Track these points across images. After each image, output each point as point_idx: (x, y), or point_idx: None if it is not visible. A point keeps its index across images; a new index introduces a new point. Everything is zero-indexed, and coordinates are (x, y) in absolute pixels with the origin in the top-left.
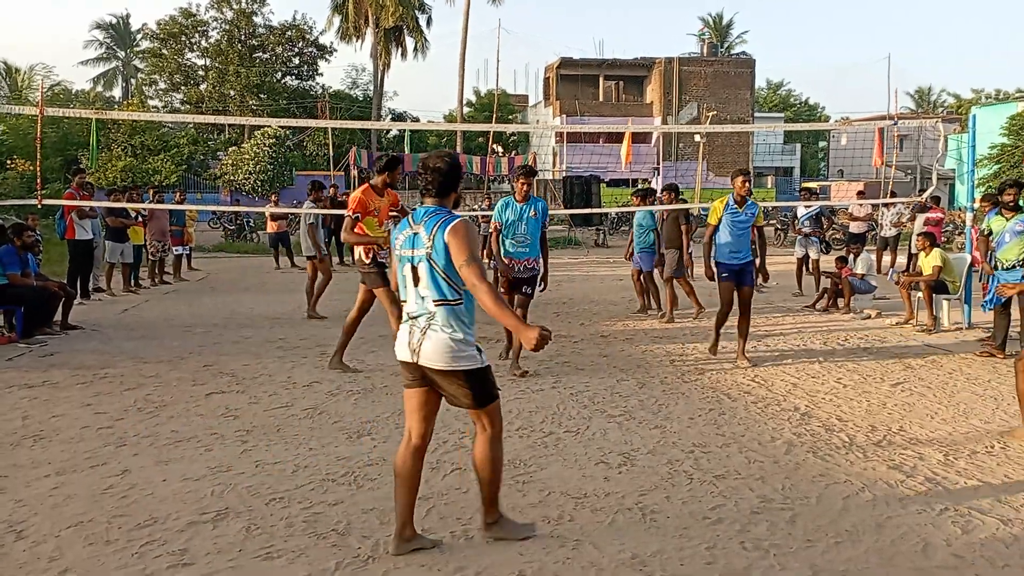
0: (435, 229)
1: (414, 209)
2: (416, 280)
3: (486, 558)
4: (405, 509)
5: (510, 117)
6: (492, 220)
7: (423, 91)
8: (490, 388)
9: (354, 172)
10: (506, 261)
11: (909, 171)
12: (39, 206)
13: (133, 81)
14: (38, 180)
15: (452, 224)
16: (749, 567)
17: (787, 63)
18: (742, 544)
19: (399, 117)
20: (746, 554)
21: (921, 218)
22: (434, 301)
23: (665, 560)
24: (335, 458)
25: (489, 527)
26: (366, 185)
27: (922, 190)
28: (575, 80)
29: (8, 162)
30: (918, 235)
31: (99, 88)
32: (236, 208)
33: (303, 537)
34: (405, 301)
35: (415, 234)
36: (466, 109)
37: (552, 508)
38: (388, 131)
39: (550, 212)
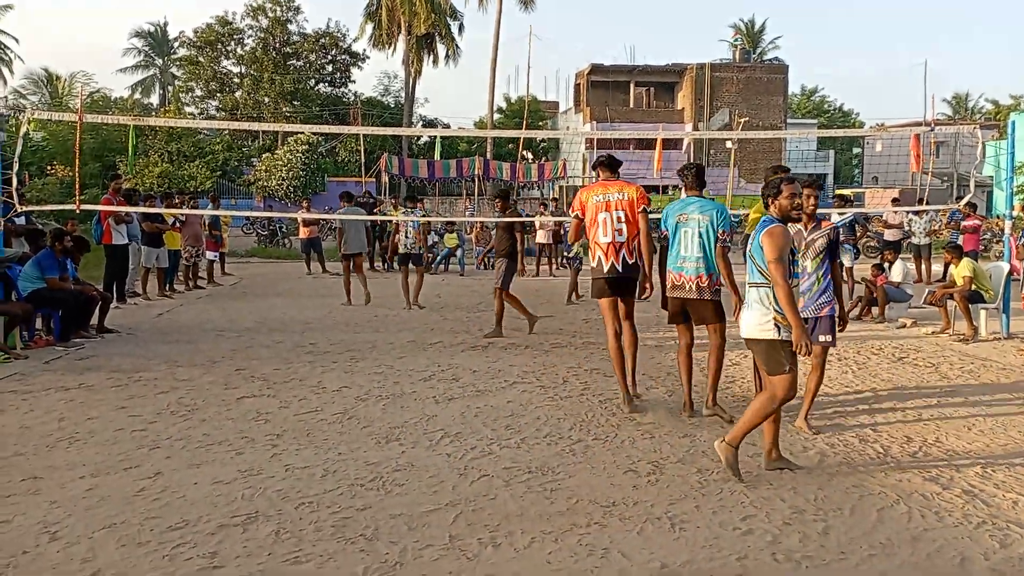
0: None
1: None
2: None
3: (514, 565)
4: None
5: (540, 123)
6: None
7: (454, 98)
8: (769, 361)
9: (385, 178)
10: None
11: (946, 178)
12: (77, 211)
13: (170, 88)
14: (77, 185)
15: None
16: None
17: (821, 69)
18: (773, 556)
19: (430, 124)
20: (777, 566)
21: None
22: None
23: (695, 570)
24: (364, 463)
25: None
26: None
27: (959, 197)
28: (606, 87)
29: (48, 168)
30: (945, 247)
31: (137, 95)
32: (269, 214)
33: (331, 542)
34: None
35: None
36: (496, 116)
37: (580, 516)
38: (419, 137)
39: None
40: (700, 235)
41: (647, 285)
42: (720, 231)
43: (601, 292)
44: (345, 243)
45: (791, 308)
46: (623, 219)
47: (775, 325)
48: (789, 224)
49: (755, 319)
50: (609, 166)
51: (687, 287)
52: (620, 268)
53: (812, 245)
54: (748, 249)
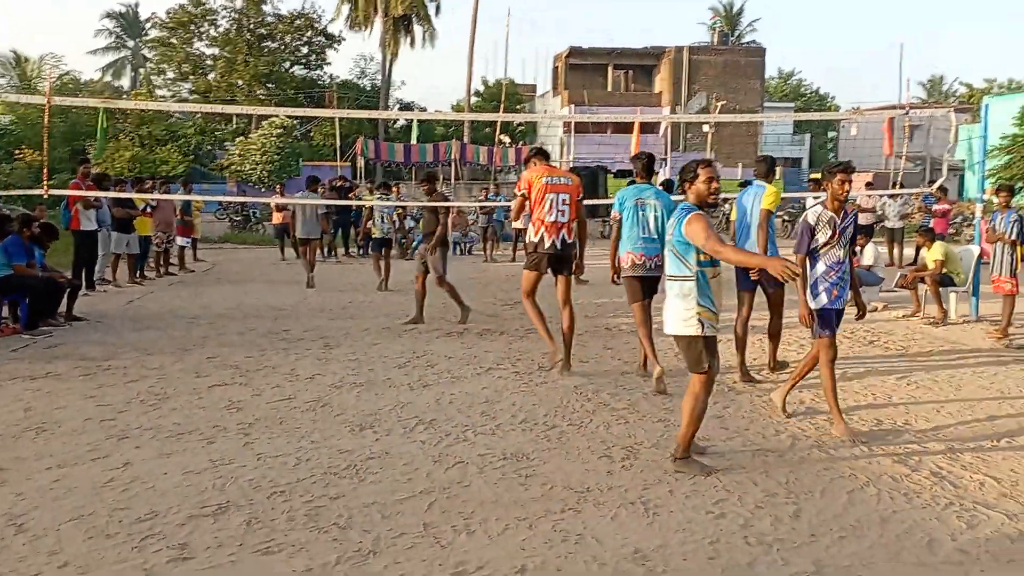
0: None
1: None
2: None
3: (488, 552)
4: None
5: (518, 107)
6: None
7: (431, 80)
8: (689, 357)
9: (360, 162)
10: None
11: (919, 161)
12: (46, 196)
13: (142, 71)
14: (45, 170)
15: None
16: (753, 562)
17: (798, 52)
18: (745, 539)
19: (407, 107)
20: (749, 549)
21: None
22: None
23: (668, 555)
24: (337, 451)
25: (675, 460)
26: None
27: (931, 181)
28: (584, 69)
29: (16, 152)
30: (918, 230)
31: (108, 78)
32: (242, 199)
33: (304, 531)
34: None
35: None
36: (474, 99)
37: (555, 502)
38: (395, 121)
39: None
40: (656, 219)
41: (582, 264)
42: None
43: (537, 266)
44: (301, 227)
45: (747, 253)
46: (567, 202)
47: (698, 320)
48: (823, 211)
49: (678, 314)
50: (544, 156)
51: (647, 265)
52: (559, 246)
53: (844, 233)
54: (668, 240)
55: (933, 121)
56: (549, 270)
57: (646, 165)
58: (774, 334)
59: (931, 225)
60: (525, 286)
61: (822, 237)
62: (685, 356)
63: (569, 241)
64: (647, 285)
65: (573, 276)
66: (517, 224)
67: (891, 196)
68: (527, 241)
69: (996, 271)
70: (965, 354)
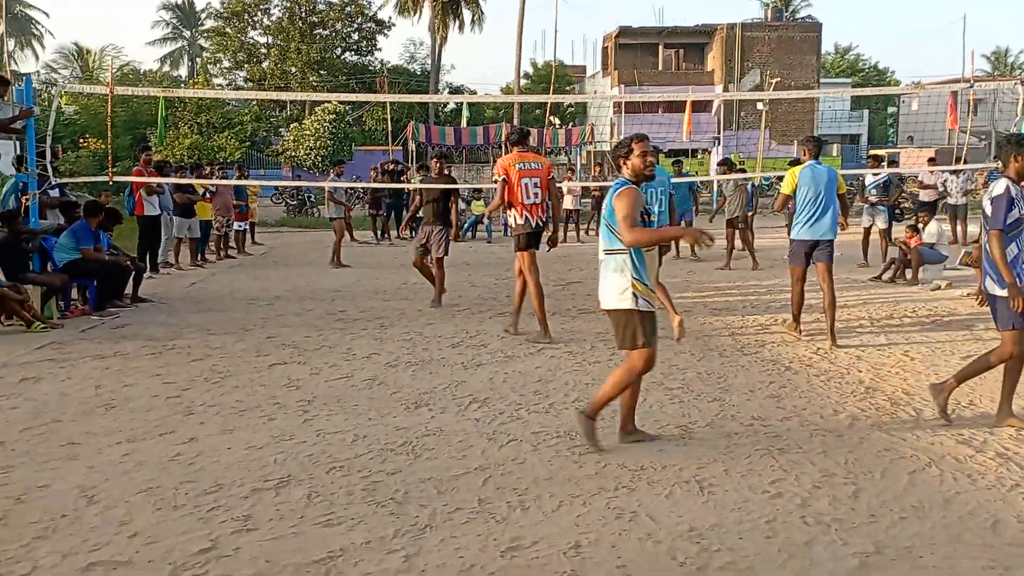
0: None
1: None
2: None
3: (543, 528)
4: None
5: (568, 88)
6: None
7: (480, 64)
8: (626, 334)
9: (412, 146)
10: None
11: (984, 136)
12: (110, 183)
13: (198, 60)
14: (109, 158)
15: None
16: (810, 542)
17: (856, 26)
18: (803, 518)
19: (457, 90)
20: (807, 529)
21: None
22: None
23: (723, 534)
24: (393, 428)
25: (581, 416)
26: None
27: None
28: (634, 49)
29: (81, 141)
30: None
31: (166, 68)
32: (297, 183)
33: (362, 505)
34: None
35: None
36: (523, 81)
37: (609, 480)
38: (446, 105)
39: (607, 184)
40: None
41: (556, 237)
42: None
43: (528, 244)
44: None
45: (658, 231)
46: (538, 184)
47: (633, 294)
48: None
49: (613, 288)
50: (520, 141)
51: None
52: (535, 224)
53: None
54: (602, 214)
55: (998, 95)
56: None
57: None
58: (830, 305)
59: None
60: (527, 264)
61: (1017, 213)
62: (619, 332)
63: (544, 220)
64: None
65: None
66: (489, 209)
67: (953, 172)
68: (513, 224)
69: None
70: None
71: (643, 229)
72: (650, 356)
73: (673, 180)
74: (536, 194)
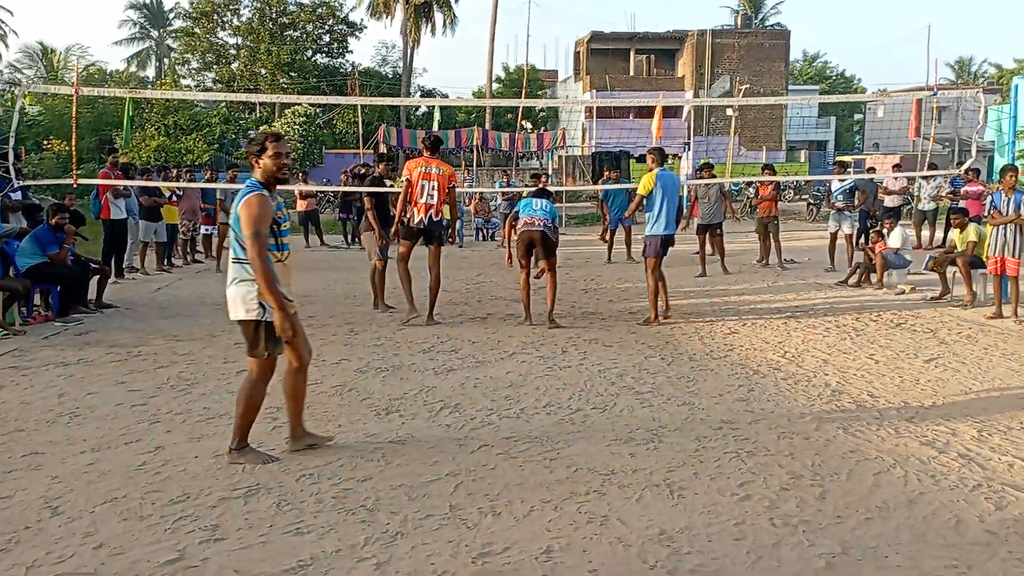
0: (237, 198)
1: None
2: None
3: (514, 533)
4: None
5: (539, 93)
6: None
7: (452, 67)
8: (252, 340)
9: (383, 149)
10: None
11: (947, 143)
12: (75, 185)
13: (166, 61)
14: (74, 160)
15: (243, 199)
16: (778, 543)
17: (824, 35)
18: (771, 520)
19: (428, 94)
20: (775, 530)
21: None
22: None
23: (693, 536)
24: (364, 435)
25: (230, 452)
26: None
27: (960, 163)
28: (606, 54)
29: (44, 142)
30: (951, 211)
31: (133, 68)
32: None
33: (332, 513)
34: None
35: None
36: (495, 85)
37: (580, 484)
38: (417, 108)
39: (579, 189)
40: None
41: (454, 234)
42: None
43: (408, 236)
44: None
45: (270, 288)
46: (435, 188)
47: (260, 304)
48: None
49: (240, 298)
50: (431, 147)
51: (536, 224)
52: (427, 222)
53: None
54: (231, 222)
55: (962, 103)
56: (422, 240)
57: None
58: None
59: (964, 207)
60: (400, 252)
61: None
62: (246, 341)
63: (436, 219)
64: (529, 246)
65: (449, 243)
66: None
67: (924, 178)
68: (406, 218)
69: (999, 251)
70: (994, 336)
71: (265, 258)
72: (270, 368)
73: (610, 187)
74: (432, 195)
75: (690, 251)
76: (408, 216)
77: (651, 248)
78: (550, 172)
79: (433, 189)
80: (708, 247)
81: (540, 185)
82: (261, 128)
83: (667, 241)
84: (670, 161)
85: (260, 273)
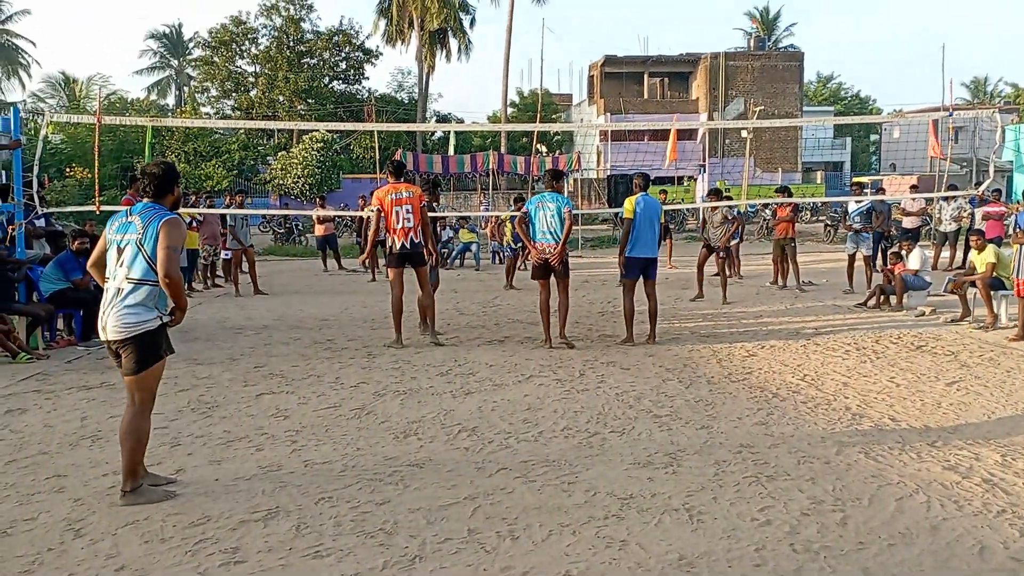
0: (150, 220)
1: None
2: (118, 260)
3: (532, 558)
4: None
5: (554, 116)
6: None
7: (467, 92)
8: (150, 354)
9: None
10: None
11: (964, 164)
12: (97, 212)
13: (186, 89)
14: (96, 187)
15: (167, 218)
16: (799, 569)
17: (838, 56)
18: (791, 546)
19: (444, 119)
20: (796, 556)
21: (979, 213)
22: (127, 278)
23: (713, 562)
24: (382, 458)
25: (125, 495)
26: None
27: (978, 183)
28: (619, 78)
29: (67, 170)
30: (970, 233)
31: (153, 96)
32: (285, 211)
33: (351, 536)
34: (108, 278)
35: (129, 222)
36: (510, 109)
37: (598, 508)
38: (433, 133)
39: (595, 212)
40: (553, 216)
41: (431, 252)
42: (565, 208)
43: (391, 263)
44: (235, 238)
45: (182, 286)
46: (410, 211)
47: (158, 326)
48: None
49: (136, 319)
50: (395, 172)
51: (547, 251)
52: (408, 246)
53: None
54: (143, 242)
55: (978, 122)
56: (407, 264)
57: (554, 176)
58: (653, 313)
59: (982, 228)
60: (391, 279)
61: None
62: (134, 362)
63: (416, 241)
64: (544, 268)
65: (430, 264)
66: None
67: (945, 199)
68: (387, 247)
69: (1023, 273)
70: (1016, 358)
71: (179, 274)
72: (155, 394)
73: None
74: (408, 219)
75: (709, 273)
76: (390, 243)
77: (629, 270)
78: (565, 195)
79: (408, 213)
80: (722, 270)
81: (521, 211)
82: (280, 154)
83: (647, 264)
84: (685, 184)
85: (179, 289)
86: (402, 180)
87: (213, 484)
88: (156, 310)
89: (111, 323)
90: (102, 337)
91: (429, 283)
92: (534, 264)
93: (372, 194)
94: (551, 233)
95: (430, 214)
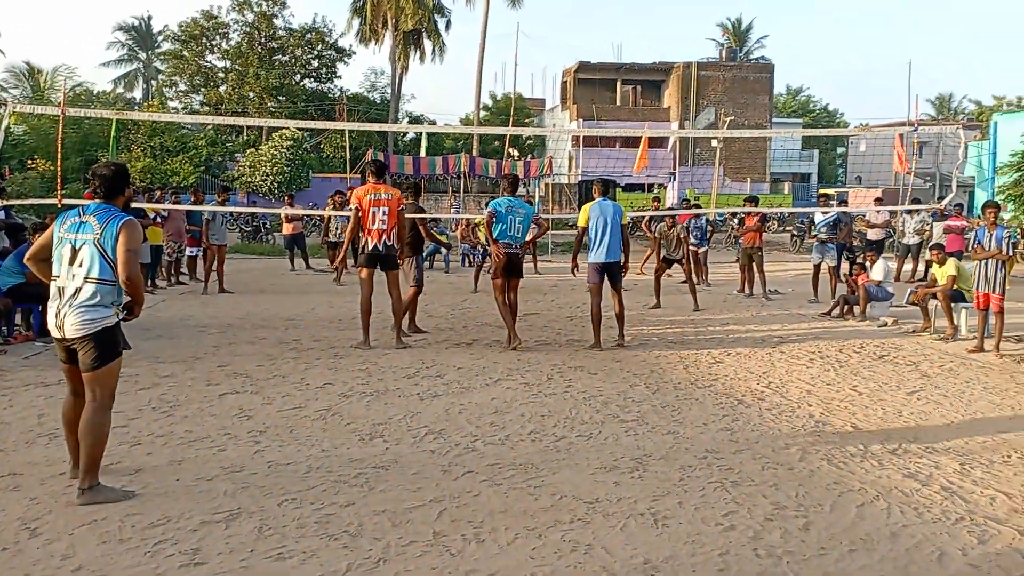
0: (107, 222)
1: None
2: (73, 259)
3: (498, 561)
4: (76, 452)
5: (526, 121)
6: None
7: (440, 94)
8: (109, 350)
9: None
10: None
11: (928, 178)
12: (59, 205)
13: (154, 83)
14: (58, 180)
15: (125, 220)
16: (762, 574)
17: (807, 68)
18: (755, 551)
19: (416, 120)
20: (759, 561)
21: (939, 227)
22: (86, 278)
23: (677, 566)
24: (347, 460)
25: (83, 493)
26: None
27: (940, 197)
28: (592, 84)
29: (29, 162)
30: (931, 247)
31: (120, 89)
32: (252, 209)
33: (315, 538)
34: (57, 276)
35: (83, 222)
36: (483, 113)
37: (564, 512)
38: (405, 134)
39: (565, 216)
40: (522, 222)
41: (403, 257)
42: (540, 217)
43: (365, 263)
44: (212, 234)
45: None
46: (387, 213)
47: (116, 324)
48: None
49: (97, 316)
50: (376, 172)
51: (513, 248)
52: (381, 248)
53: None
54: (99, 242)
55: (942, 138)
56: (378, 266)
57: (512, 183)
58: (620, 316)
59: (942, 242)
60: (362, 279)
61: None
62: (97, 356)
63: (390, 243)
64: (512, 266)
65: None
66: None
67: (908, 212)
68: (360, 246)
69: (983, 287)
70: (975, 369)
71: (140, 274)
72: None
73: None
74: (384, 221)
75: (676, 280)
76: (363, 243)
77: (590, 274)
78: (536, 199)
79: (384, 215)
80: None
81: (488, 211)
82: (248, 151)
83: (609, 268)
84: (655, 190)
85: (139, 287)
86: (383, 181)
87: (174, 484)
88: (112, 307)
89: (69, 322)
90: (56, 335)
91: (398, 286)
92: (498, 263)
93: (351, 191)
94: (516, 238)
95: (418, 215)
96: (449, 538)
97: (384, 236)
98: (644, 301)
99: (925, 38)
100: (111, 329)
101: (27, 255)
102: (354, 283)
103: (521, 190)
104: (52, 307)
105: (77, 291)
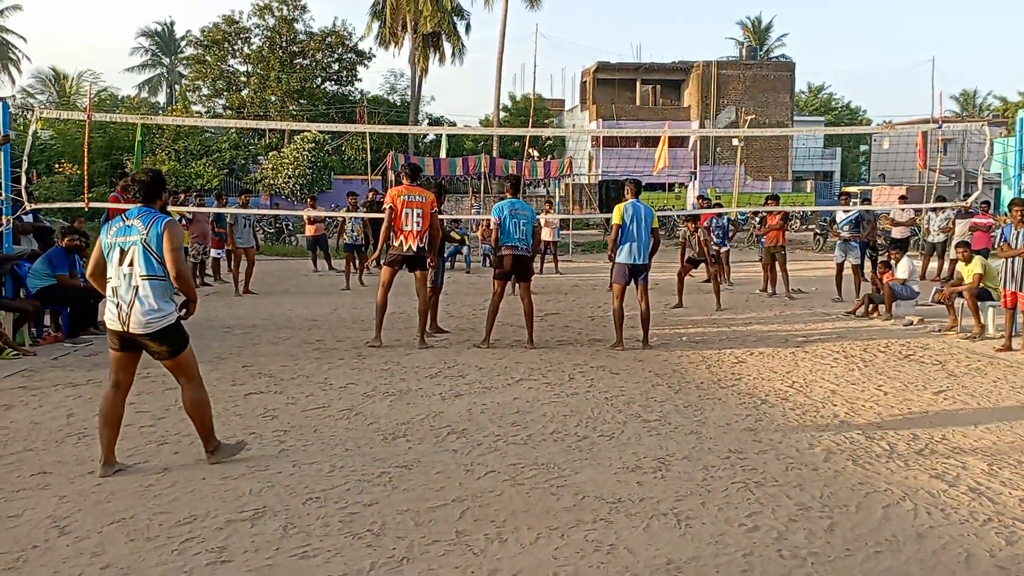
0: (151, 223)
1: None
2: (122, 260)
3: (520, 560)
4: (110, 443)
5: (546, 121)
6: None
7: (460, 96)
8: (179, 339)
9: (391, 176)
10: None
11: (953, 175)
12: (86, 209)
13: (177, 87)
14: (85, 183)
15: (167, 221)
16: (786, 575)
17: (828, 66)
18: (779, 552)
19: (436, 122)
20: (783, 562)
21: (962, 224)
22: (142, 276)
23: (700, 567)
24: (370, 459)
25: (210, 454)
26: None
27: (967, 195)
28: (612, 84)
29: (56, 166)
30: (956, 244)
31: (144, 94)
32: (275, 211)
33: (339, 537)
34: (110, 278)
35: (129, 226)
36: (502, 114)
37: (586, 512)
38: (425, 136)
39: (586, 216)
40: (527, 224)
41: (434, 260)
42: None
43: (394, 263)
44: (238, 237)
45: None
46: (420, 215)
47: (177, 316)
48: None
49: (160, 312)
50: (411, 174)
51: (519, 249)
52: (415, 249)
53: None
54: (145, 243)
55: (967, 135)
56: (406, 267)
57: (514, 184)
58: (646, 318)
59: (968, 240)
60: (383, 278)
61: None
62: (172, 349)
63: (422, 246)
64: (518, 267)
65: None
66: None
67: (933, 210)
68: (392, 245)
69: (1010, 285)
70: (1003, 368)
71: (188, 270)
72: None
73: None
74: (417, 223)
75: (699, 280)
76: (397, 244)
77: (616, 275)
78: (557, 200)
79: (418, 216)
80: (714, 277)
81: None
82: (271, 154)
83: (635, 270)
84: (676, 190)
85: (189, 281)
86: (416, 183)
87: (200, 483)
88: (172, 303)
89: (135, 319)
90: (115, 328)
91: (425, 288)
92: (503, 265)
93: (386, 192)
94: (523, 240)
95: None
96: (472, 537)
97: (418, 238)
98: (666, 300)
99: (948, 34)
100: (175, 325)
101: (87, 272)
102: (372, 287)
103: (541, 190)
104: (111, 304)
105: (137, 288)
